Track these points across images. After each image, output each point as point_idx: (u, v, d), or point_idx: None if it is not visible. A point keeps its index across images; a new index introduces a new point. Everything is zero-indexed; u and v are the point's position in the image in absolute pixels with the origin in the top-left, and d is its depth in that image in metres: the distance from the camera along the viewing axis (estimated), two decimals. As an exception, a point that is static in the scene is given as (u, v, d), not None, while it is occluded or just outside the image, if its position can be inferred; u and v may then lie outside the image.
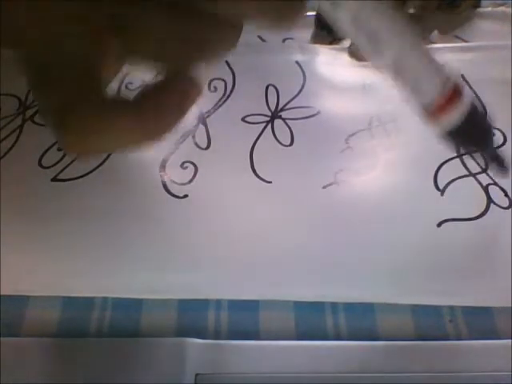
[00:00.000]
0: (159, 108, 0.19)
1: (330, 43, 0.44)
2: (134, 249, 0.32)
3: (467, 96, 0.24)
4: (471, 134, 0.25)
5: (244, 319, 0.29)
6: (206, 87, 0.40)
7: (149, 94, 0.20)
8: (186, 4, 0.19)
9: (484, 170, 0.35)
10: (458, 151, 0.36)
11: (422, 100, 0.23)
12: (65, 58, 0.19)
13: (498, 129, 0.38)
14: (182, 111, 0.20)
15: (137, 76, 0.20)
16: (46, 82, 0.19)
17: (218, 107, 0.40)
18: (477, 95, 0.40)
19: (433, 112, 0.23)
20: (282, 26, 0.19)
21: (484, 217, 0.33)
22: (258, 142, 0.37)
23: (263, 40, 0.45)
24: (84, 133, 0.19)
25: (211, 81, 0.41)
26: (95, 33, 0.19)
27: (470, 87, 0.40)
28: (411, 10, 0.41)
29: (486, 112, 0.26)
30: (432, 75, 0.23)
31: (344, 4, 0.19)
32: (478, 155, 0.31)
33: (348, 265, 0.31)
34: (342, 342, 0.28)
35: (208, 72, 0.19)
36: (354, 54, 0.42)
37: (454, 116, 0.23)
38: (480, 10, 0.45)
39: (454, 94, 0.23)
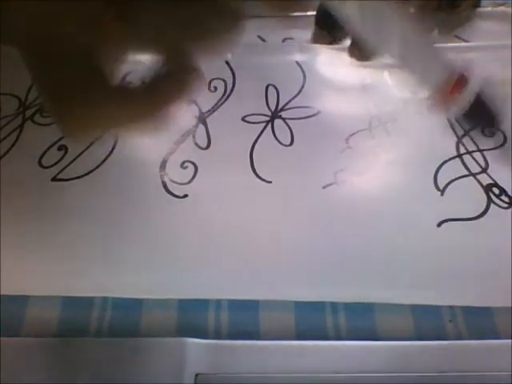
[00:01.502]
0: (161, 94, 0.20)
1: (330, 43, 0.44)
2: (134, 249, 0.32)
3: (474, 82, 0.24)
4: (478, 117, 0.26)
5: (244, 319, 0.29)
6: (205, 87, 0.40)
7: (151, 81, 0.20)
8: None
9: (484, 170, 0.35)
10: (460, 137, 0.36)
11: (429, 88, 0.24)
12: (66, 47, 0.19)
13: (498, 129, 0.38)
14: (181, 98, 0.20)
15: (136, 76, 0.21)
16: (48, 70, 0.20)
17: (218, 107, 0.40)
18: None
19: (440, 99, 0.24)
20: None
21: (484, 217, 0.33)
22: (258, 141, 0.37)
23: (263, 40, 0.45)
24: (85, 119, 0.20)
25: (211, 81, 0.41)
26: (96, 21, 0.19)
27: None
28: (411, 10, 0.41)
29: (493, 96, 0.27)
30: (437, 65, 0.23)
31: (350, 2, 0.19)
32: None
33: (348, 265, 0.31)
34: (341, 342, 0.28)
35: (210, 60, 0.19)
36: (354, 53, 0.42)
37: (461, 102, 0.24)
38: (480, 9, 0.45)
39: (459, 80, 0.23)
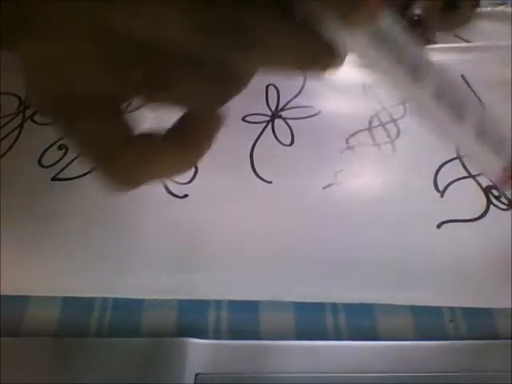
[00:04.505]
0: (195, 137, 0.21)
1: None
2: (134, 248, 0.32)
3: None
4: None
5: (244, 319, 0.29)
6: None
7: (183, 125, 0.21)
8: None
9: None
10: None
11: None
12: (91, 96, 0.19)
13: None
14: (212, 139, 0.22)
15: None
16: (80, 127, 0.20)
17: (218, 107, 0.39)
18: (477, 95, 0.40)
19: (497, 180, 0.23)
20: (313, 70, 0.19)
21: (483, 218, 0.33)
22: (259, 141, 0.37)
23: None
24: (132, 170, 0.20)
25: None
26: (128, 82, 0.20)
27: (470, 87, 0.40)
28: (418, 11, 0.41)
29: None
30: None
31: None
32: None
33: (348, 265, 0.31)
34: (341, 342, 0.28)
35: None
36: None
37: None
38: (480, 9, 0.45)
39: None
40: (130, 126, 0.20)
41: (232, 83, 0.20)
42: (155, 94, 0.20)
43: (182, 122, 0.21)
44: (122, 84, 0.19)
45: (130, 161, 0.20)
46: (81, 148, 0.20)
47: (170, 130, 0.21)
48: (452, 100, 0.19)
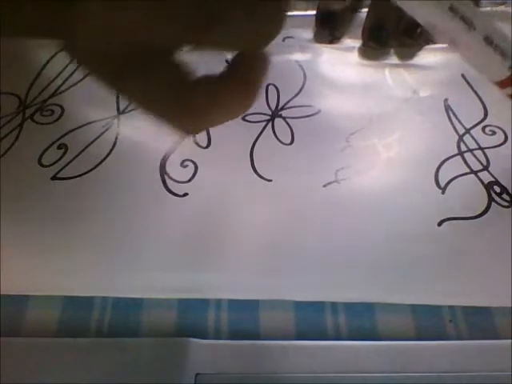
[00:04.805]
0: (251, 76, 0.22)
1: (330, 42, 0.44)
2: (134, 248, 0.32)
3: None
4: None
5: (244, 319, 0.29)
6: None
7: (236, 66, 0.22)
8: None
9: (485, 168, 0.35)
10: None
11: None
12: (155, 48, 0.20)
13: (499, 127, 0.38)
14: (264, 77, 0.22)
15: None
16: (141, 82, 0.20)
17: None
18: (477, 95, 0.40)
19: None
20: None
21: (485, 216, 0.33)
22: (259, 140, 0.37)
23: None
24: (200, 113, 0.21)
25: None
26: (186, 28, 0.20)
27: (470, 87, 0.40)
28: None
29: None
30: None
31: None
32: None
33: (348, 264, 0.31)
34: (341, 342, 0.28)
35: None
36: (366, 53, 0.43)
37: None
38: (480, 9, 0.45)
39: None
40: (190, 71, 0.21)
41: (275, 22, 0.21)
42: (209, 35, 0.20)
43: (234, 63, 0.22)
44: (180, 29, 0.20)
45: (195, 106, 0.21)
46: (143, 102, 0.21)
47: (225, 72, 0.22)
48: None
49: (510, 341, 0.28)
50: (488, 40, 0.22)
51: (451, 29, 0.21)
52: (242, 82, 0.22)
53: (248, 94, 0.22)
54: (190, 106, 0.21)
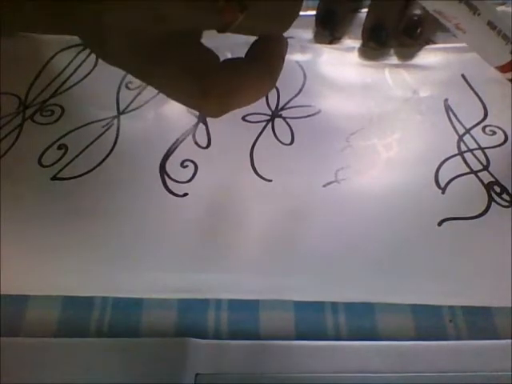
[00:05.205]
0: (272, 58, 0.23)
1: (330, 42, 0.44)
2: (134, 248, 0.32)
3: None
4: None
5: (244, 319, 0.29)
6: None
7: (260, 48, 0.23)
8: None
9: (485, 168, 0.35)
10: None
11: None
12: (179, 31, 0.21)
13: (499, 127, 0.38)
14: (283, 60, 0.24)
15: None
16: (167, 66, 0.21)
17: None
18: (477, 95, 0.40)
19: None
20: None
21: (485, 216, 0.33)
22: (259, 140, 0.37)
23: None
24: (224, 96, 0.22)
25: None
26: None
27: (470, 87, 0.40)
28: (417, 11, 0.41)
29: None
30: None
31: None
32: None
33: (348, 264, 0.31)
34: (341, 342, 0.28)
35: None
36: (366, 53, 0.43)
37: None
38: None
39: None
40: (214, 56, 0.22)
41: (294, 8, 0.22)
42: (235, 17, 0.21)
43: (255, 47, 0.23)
44: (205, 14, 0.21)
45: (219, 89, 0.21)
46: (169, 88, 0.22)
47: (246, 55, 0.23)
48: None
49: (510, 341, 0.28)
50: (491, 25, 0.22)
51: (457, 14, 0.22)
52: (263, 65, 0.23)
53: (269, 77, 0.23)
54: (216, 89, 0.21)
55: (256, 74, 0.22)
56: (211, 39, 0.24)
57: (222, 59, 0.23)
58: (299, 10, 0.23)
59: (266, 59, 0.23)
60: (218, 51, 0.23)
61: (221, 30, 0.22)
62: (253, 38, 0.24)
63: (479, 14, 0.22)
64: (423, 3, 0.22)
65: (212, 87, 0.21)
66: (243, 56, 0.24)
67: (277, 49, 0.24)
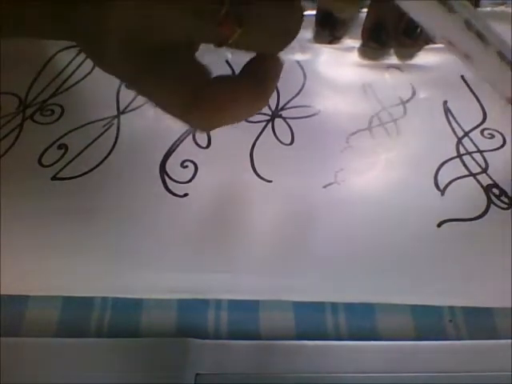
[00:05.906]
0: (265, 78, 0.23)
1: (330, 42, 0.44)
2: (134, 248, 0.32)
3: None
4: None
5: (244, 319, 0.29)
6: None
7: (254, 66, 0.23)
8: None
9: (484, 171, 0.35)
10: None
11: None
12: (173, 44, 0.21)
13: (498, 131, 0.38)
14: (277, 79, 0.24)
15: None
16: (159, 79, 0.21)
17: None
18: (476, 97, 0.40)
19: None
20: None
21: (484, 217, 0.33)
22: (259, 141, 0.37)
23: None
24: (214, 111, 0.22)
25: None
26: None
27: (470, 89, 0.40)
28: None
29: None
30: None
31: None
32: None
33: (348, 264, 0.31)
34: (341, 342, 0.28)
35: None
36: (366, 53, 0.43)
37: None
38: (480, 9, 0.45)
39: None
40: (207, 71, 0.22)
41: (293, 23, 0.22)
42: (233, 31, 0.21)
43: (250, 64, 0.23)
44: (203, 26, 0.20)
45: (211, 104, 0.21)
46: (161, 100, 0.22)
47: (241, 72, 0.23)
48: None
49: (509, 341, 0.28)
50: (501, 55, 0.22)
51: (466, 44, 0.22)
52: (257, 82, 0.23)
53: (262, 94, 0.23)
54: (206, 103, 0.21)
55: (247, 91, 0.22)
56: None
57: (220, 60, 0.23)
58: (299, 29, 0.22)
59: (260, 77, 0.23)
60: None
61: (218, 44, 0.21)
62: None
63: (489, 44, 0.22)
64: (431, 30, 0.22)
65: (201, 101, 0.21)
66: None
67: (272, 68, 0.24)
